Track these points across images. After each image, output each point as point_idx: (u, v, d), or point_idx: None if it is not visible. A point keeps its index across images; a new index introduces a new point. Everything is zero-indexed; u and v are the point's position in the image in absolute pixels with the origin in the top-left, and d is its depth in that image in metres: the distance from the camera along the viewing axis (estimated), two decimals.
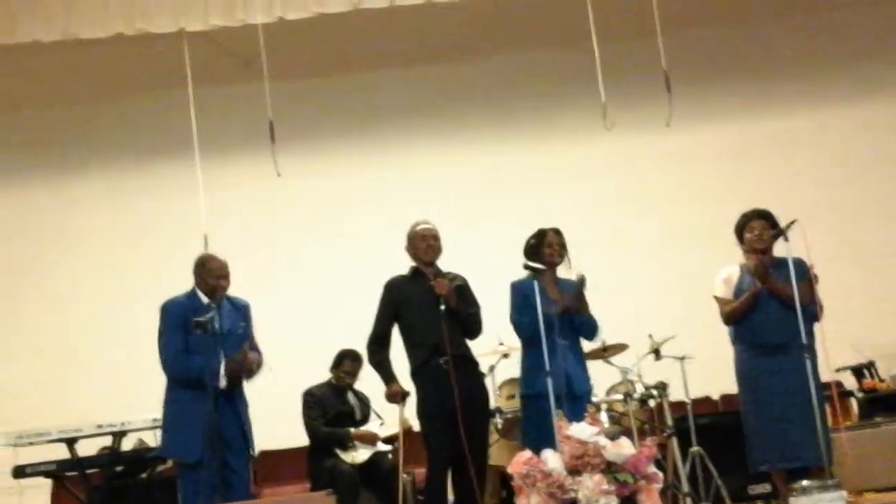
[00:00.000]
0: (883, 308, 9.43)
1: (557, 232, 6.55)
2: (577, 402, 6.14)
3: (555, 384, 6.12)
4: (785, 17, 10.29)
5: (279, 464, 7.42)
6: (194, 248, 8.23)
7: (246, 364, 6.09)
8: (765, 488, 7.11)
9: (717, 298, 6.50)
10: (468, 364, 6.37)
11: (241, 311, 6.36)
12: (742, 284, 6.38)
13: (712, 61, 10.33)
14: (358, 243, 9.75)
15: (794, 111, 10.31)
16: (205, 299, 6.19)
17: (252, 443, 6.23)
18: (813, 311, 6.19)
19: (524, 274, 6.33)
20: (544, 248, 6.48)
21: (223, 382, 5.99)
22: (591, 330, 6.50)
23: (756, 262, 6.23)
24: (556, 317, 6.20)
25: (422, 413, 6.28)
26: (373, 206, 9.86)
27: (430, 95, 10.42)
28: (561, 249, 6.49)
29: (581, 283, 6.36)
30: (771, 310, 6.18)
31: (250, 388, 6.31)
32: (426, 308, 6.27)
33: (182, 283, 6.59)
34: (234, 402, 6.12)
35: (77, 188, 10.11)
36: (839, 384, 7.74)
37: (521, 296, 6.33)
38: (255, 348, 6.32)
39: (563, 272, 6.55)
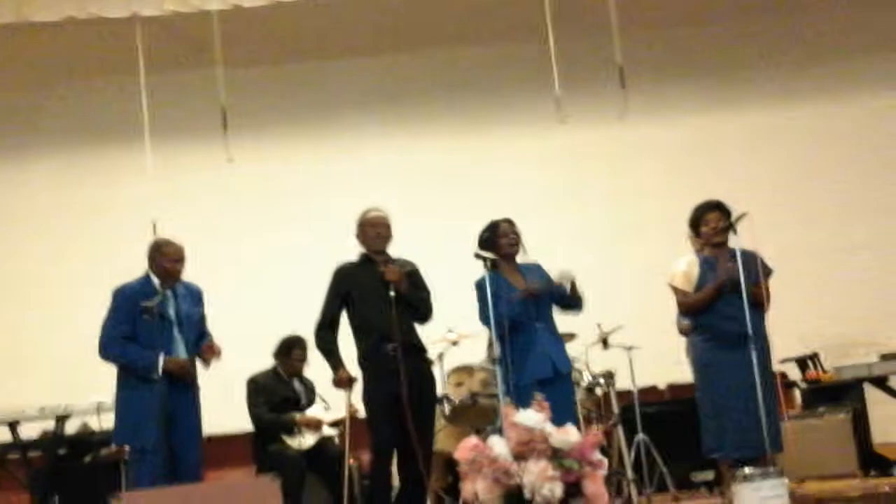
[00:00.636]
0: (830, 302, 9.54)
1: (510, 222, 6.54)
2: (562, 381, 6.15)
3: (541, 368, 6.18)
4: (742, 16, 10.35)
5: (224, 449, 7.39)
6: (143, 234, 8.19)
7: (184, 374, 6.06)
8: (708, 476, 7.18)
9: (674, 289, 6.52)
10: (416, 351, 6.38)
11: (196, 297, 6.36)
12: (704, 280, 6.40)
13: (667, 58, 10.37)
14: (308, 231, 9.70)
15: (749, 110, 10.38)
16: (158, 284, 6.18)
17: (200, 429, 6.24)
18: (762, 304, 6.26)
19: (479, 266, 6.33)
20: (499, 238, 6.47)
21: (158, 375, 5.98)
22: (575, 302, 6.45)
23: (728, 265, 6.22)
24: (523, 301, 6.21)
25: (368, 399, 6.27)
26: (324, 195, 9.81)
27: (385, 86, 10.40)
28: (515, 237, 6.49)
29: (571, 283, 6.35)
30: (730, 302, 6.21)
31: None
32: (375, 295, 6.25)
33: (129, 268, 6.55)
34: (186, 384, 6.12)
35: (26, 171, 9.98)
36: (783, 375, 7.83)
37: (484, 292, 6.30)
38: (206, 333, 6.32)
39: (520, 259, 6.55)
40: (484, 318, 6.36)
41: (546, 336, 6.33)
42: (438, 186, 10.08)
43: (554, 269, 6.45)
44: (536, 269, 6.51)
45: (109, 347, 6.12)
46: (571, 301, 6.41)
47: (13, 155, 10.02)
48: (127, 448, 6.56)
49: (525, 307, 6.26)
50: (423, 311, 6.42)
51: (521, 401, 6.01)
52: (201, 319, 6.33)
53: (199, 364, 6.28)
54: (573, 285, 6.34)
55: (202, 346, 6.21)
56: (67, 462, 6.66)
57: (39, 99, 10.11)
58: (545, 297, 6.35)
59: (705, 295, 6.35)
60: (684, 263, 6.52)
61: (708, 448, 6.32)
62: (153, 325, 5.98)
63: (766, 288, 6.28)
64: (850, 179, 10.18)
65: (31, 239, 9.77)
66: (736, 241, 6.26)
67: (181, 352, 6.14)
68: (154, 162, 8.92)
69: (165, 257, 6.23)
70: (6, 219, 9.82)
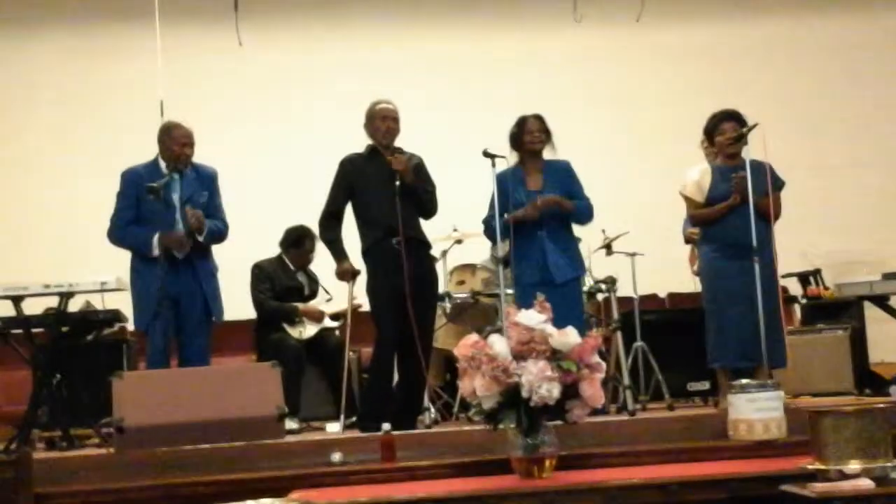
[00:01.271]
0: (835, 218, 9.54)
1: (538, 117, 6.54)
2: (558, 289, 6.06)
3: (530, 274, 6.24)
4: None
5: (226, 335, 7.40)
6: (150, 114, 8.15)
7: (180, 246, 6.06)
8: (704, 385, 7.24)
9: (685, 197, 6.48)
10: (420, 246, 6.37)
11: (206, 181, 6.33)
12: (716, 189, 6.35)
13: None
14: (316, 120, 9.63)
15: (767, 18, 10.27)
16: (165, 168, 6.16)
17: (215, 308, 6.28)
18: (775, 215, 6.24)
19: (480, 162, 6.31)
20: (525, 134, 6.47)
21: (156, 252, 6.00)
22: (581, 217, 6.51)
23: (738, 177, 6.19)
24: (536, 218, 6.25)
25: (371, 292, 6.29)
26: (334, 84, 9.71)
27: None
28: (542, 135, 6.48)
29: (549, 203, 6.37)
30: (739, 213, 6.18)
31: None
32: (381, 187, 6.23)
33: (136, 147, 6.53)
34: (195, 268, 6.14)
35: (33, 48, 9.86)
36: (784, 290, 7.84)
37: (499, 190, 6.29)
38: (219, 218, 6.30)
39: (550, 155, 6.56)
40: (486, 218, 6.39)
41: (546, 244, 6.34)
42: (449, 81, 9.99)
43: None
44: (563, 170, 6.51)
45: (114, 232, 6.23)
46: (574, 216, 6.48)
47: (20, 30, 9.89)
48: (118, 327, 6.67)
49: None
50: (427, 205, 6.40)
51: (519, 302, 6.10)
52: (209, 202, 6.31)
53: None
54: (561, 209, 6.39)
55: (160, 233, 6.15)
56: (70, 340, 6.69)
57: None
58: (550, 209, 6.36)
59: (717, 211, 6.31)
60: (697, 172, 6.47)
61: (711, 357, 6.35)
62: (156, 207, 5.98)
63: (775, 200, 6.26)
64: (862, 95, 10.11)
65: (38, 115, 9.70)
66: (746, 152, 6.22)
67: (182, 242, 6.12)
68: (163, 42, 8.81)
69: (174, 140, 6.20)
70: (13, 95, 9.73)
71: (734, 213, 6.22)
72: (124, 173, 6.26)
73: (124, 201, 6.19)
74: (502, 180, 6.31)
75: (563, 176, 6.51)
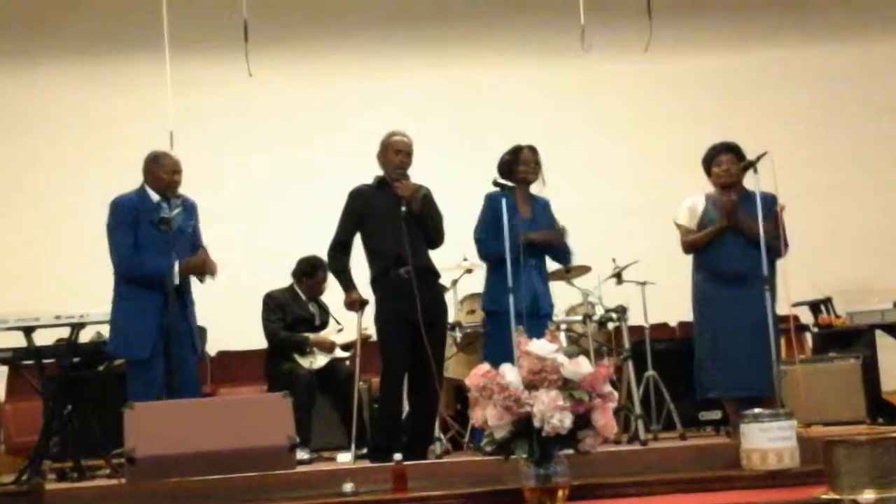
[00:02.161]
0: (845, 246, 9.53)
1: (532, 149, 6.58)
2: (540, 320, 6.22)
3: (520, 303, 6.21)
4: None
5: (236, 365, 7.44)
6: (159, 145, 8.14)
7: (205, 267, 6.09)
8: (715, 415, 7.20)
9: (678, 226, 6.52)
10: (429, 275, 6.38)
11: (190, 210, 6.34)
12: (707, 216, 6.39)
13: None
14: (326, 149, 9.68)
15: (775, 46, 10.30)
16: (154, 196, 6.16)
17: (198, 343, 6.28)
18: (777, 248, 6.22)
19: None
20: (519, 164, 6.53)
21: (176, 280, 6.02)
22: (565, 257, 6.58)
23: (725, 201, 6.22)
24: (523, 244, 6.25)
25: (380, 322, 6.30)
26: (344, 113, 9.77)
27: (410, 6, 10.29)
28: (536, 167, 6.52)
29: (562, 234, 6.41)
30: (733, 242, 6.20)
31: (211, 289, 6.32)
32: (389, 218, 6.25)
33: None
34: (183, 299, 6.15)
35: (43, 79, 9.93)
36: (796, 319, 7.82)
37: (491, 211, 6.35)
38: (199, 246, 6.31)
39: (536, 190, 6.60)
40: (477, 237, 6.41)
41: (534, 275, 6.40)
42: (458, 111, 10.03)
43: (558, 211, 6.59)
44: (545, 206, 6.56)
45: (127, 262, 6.09)
46: (560, 255, 6.59)
47: (32, 62, 9.96)
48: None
49: (517, 241, 6.31)
50: (434, 234, 6.42)
51: (493, 328, 6.10)
52: (194, 232, 6.32)
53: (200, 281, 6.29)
54: (563, 233, 6.54)
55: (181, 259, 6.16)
56: (81, 371, 6.69)
57: (59, 6, 10.01)
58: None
59: (704, 236, 6.33)
60: (689, 201, 6.52)
61: (703, 386, 6.33)
62: (153, 237, 5.97)
63: (782, 232, 6.24)
64: (870, 122, 10.13)
65: (47, 147, 9.75)
66: (756, 180, 6.21)
67: (174, 266, 6.11)
68: (173, 72, 8.85)
69: (163, 168, 6.18)
70: (23, 126, 9.80)
71: (726, 241, 6.23)
72: (118, 203, 6.18)
73: (123, 229, 6.11)
74: (495, 200, 6.31)
75: (547, 212, 6.57)
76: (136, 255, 6.07)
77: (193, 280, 6.25)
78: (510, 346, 5.34)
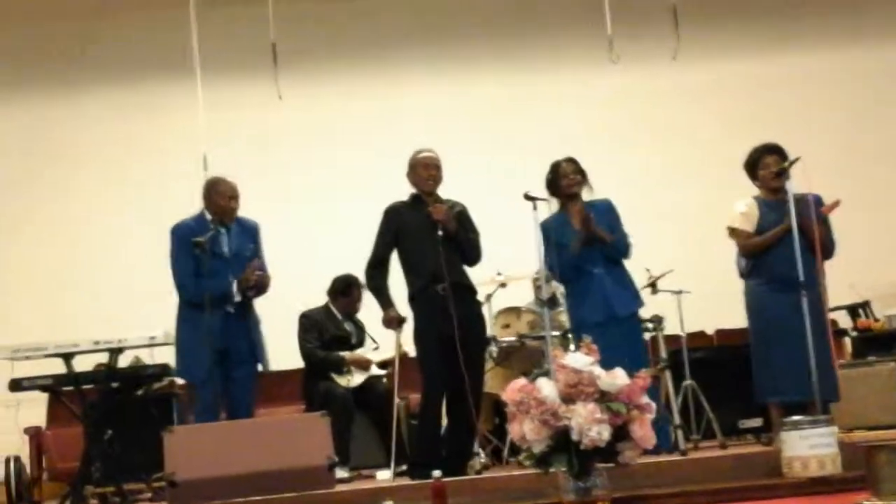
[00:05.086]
0: (882, 249, 9.44)
1: (571, 160, 6.61)
2: (622, 323, 6.30)
3: (595, 312, 6.32)
4: None
5: (274, 385, 7.46)
6: (193, 168, 8.25)
7: (252, 277, 6.15)
8: (756, 422, 7.16)
9: (733, 230, 6.47)
10: (466, 292, 6.38)
11: (250, 233, 6.43)
12: (765, 219, 6.36)
13: None
14: (357, 169, 9.71)
15: (803, 50, 10.25)
16: (212, 221, 6.25)
17: (263, 358, 6.38)
18: (828, 249, 6.20)
19: (529, 206, 6.35)
20: (561, 179, 6.53)
21: (238, 297, 6.17)
22: (619, 251, 6.56)
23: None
24: (578, 253, 6.33)
25: (418, 339, 6.31)
26: (374, 133, 9.80)
27: (436, 23, 10.33)
28: (577, 177, 6.53)
29: (584, 216, 6.41)
30: (787, 246, 6.16)
31: None
32: (425, 235, 6.26)
33: (180, 202, 6.62)
34: (243, 318, 6.23)
35: (77, 105, 10.03)
36: (834, 323, 7.76)
37: (545, 237, 6.35)
38: (262, 268, 6.37)
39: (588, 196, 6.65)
40: (549, 264, 6.42)
41: (605, 280, 6.39)
42: (488, 125, 10.03)
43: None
44: (605, 208, 6.55)
45: (190, 287, 6.21)
46: (612, 249, 6.53)
47: (64, 88, 10.06)
48: (179, 381, 6.71)
49: (583, 253, 6.37)
50: (471, 252, 6.43)
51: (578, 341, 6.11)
52: (253, 255, 6.39)
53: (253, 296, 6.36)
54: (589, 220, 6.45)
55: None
56: (120, 395, 6.75)
57: (90, 31, 10.12)
58: (596, 244, 6.39)
59: (770, 237, 6.30)
60: (744, 205, 6.48)
61: (761, 392, 6.30)
62: (203, 260, 6.05)
63: (821, 231, 6.21)
64: None
65: (82, 173, 9.85)
66: (790, 186, 6.19)
67: (232, 288, 6.21)
68: (204, 97, 8.93)
69: (220, 195, 6.32)
70: (58, 153, 9.90)
71: (783, 246, 6.19)
72: (175, 229, 6.33)
73: (184, 255, 6.22)
74: (546, 228, 6.34)
75: (606, 214, 6.56)
76: (194, 279, 6.17)
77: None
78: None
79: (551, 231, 6.34)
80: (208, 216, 6.33)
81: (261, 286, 6.34)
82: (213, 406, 6.05)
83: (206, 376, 6.00)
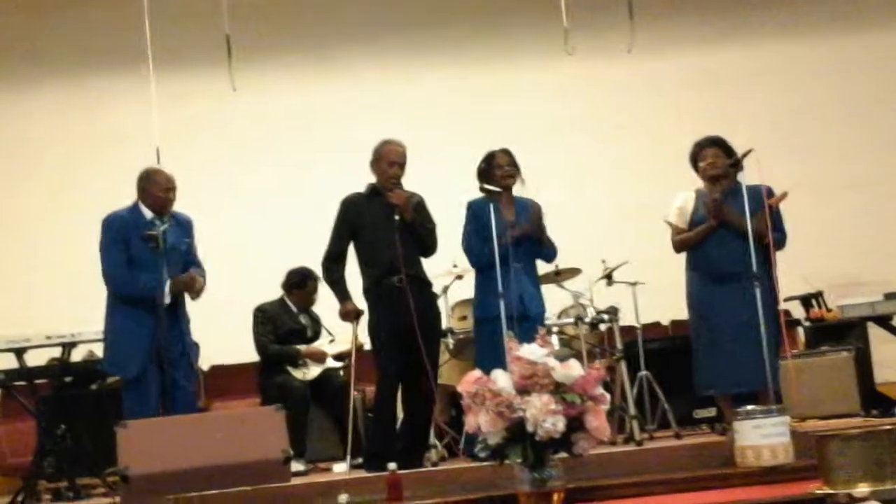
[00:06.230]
0: (835, 240, 9.54)
1: (506, 152, 6.54)
2: (530, 323, 6.20)
3: (509, 307, 6.21)
4: None
5: (229, 378, 7.44)
6: (146, 161, 8.14)
7: (193, 286, 6.08)
8: (710, 412, 7.21)
9: (670, 224, 6.51)
10: (421, 284, 6.38)
11: (186, 227, 6.31)
12: (697, 214, 6.40)
13: None
14: (313, 162, 9.68)
15: (758, 44, 10.31)
16: (148, 214, 6.13)
17: (195, 357, 6.28)
18: (776, 239, 6.22)
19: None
20: (495, 170, 6.48)
21: (168, 299, 5.99)
22: (549, 255, 6.56)
23: (708, 201, 6.24)
24: (511, 243, 6.24)
25: (373, 331, 6.30)
26: (329, 127, 9.77)
27: (391, 16, 10.30)
28: (512, 169, 6.48)
29: (537, 213, 6.39)
30: (725, 240, 6.21)
31: (202, 303, 6.31)
32: (382, 227, 6.25)
33: (133, 195, 6.54)
34: (177, 316, 6.11)
35: (27, 99, 9.93)
36: (787, 313, 7.83)
37: (475, 218, 6.35)
38: (198, 264, 6.30)
39: (518, 191, 6.57)
40: (466, 246, 6.40)
41: (522, 277, 6.37)
42: (444, 118, 10.03)
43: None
44: (531, 206, 6.52)
45: (119, 279, 6.07)
46: (543, 253, 6.54)
47: (15, 82, 9.95)
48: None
49: (506, 245, 6.29)
50: (427, 241, 6.42)
51: (483, 334, 6.09)
52: (188, 250, 6.30)
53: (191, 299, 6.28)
54: (538, 211, 6.43)
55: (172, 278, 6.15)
56: (73, 390, 6.70)
57: (42, 25, 10.00)
58: (527, 241, 6.38)
59: (695, 235, 6.34)
60: (680, 199, 6.51)
61: (701, 384, 6.35)
62: (145, 254, 5.94)
63: (780, 222, 6.26)
64: (858, 115, 10.14)
65: (34, 167, 9.74)
66: (742, 177, 6.24)
67: (165, 287, 6.08)
68: (158, 90, 8.85)
69: (156, 186, 6.16)
70: (9, 148, 9.78)
71: (717, 238, 6.23)
72: (109, 220, 6.16)
73: (116, 247, 6.08)
74: (478, 207, 6.32)
75: (530, 211, 6.54)
76: (128, 272, 6.04)
77: (186, 296, 6.24)
78: (500, 352, 5.34)
79: (481, 213, 6.29)
80: (143, 207, 6.18)
81: (197, 290, 6.22)
82: (153, 403, 5.90)
83: (140, 372, 5.90)
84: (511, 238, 6.29)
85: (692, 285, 6.46)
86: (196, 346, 6.32)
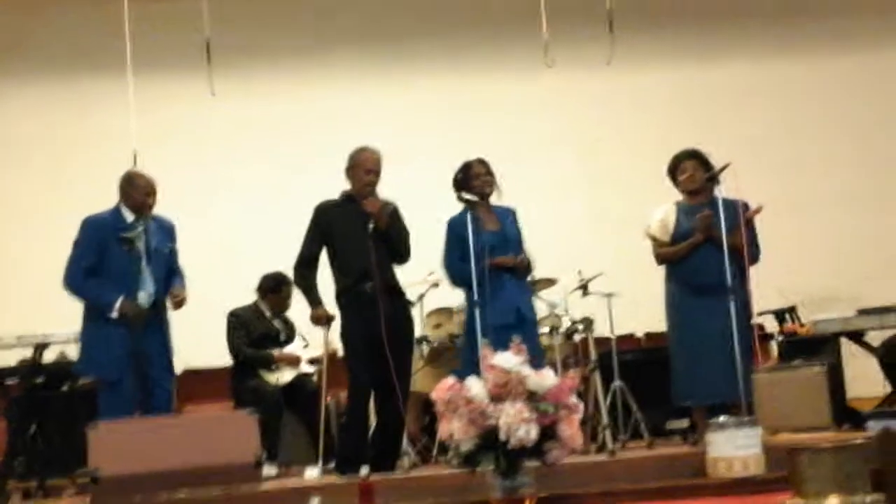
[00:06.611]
0: (810, 255, 9.57)
1: (482, 161, 6.59)
2: (527, 326, 6.29)
3: (505, 316, 6.26)
4: None
5: (203, 382, 7.41)
6: (123, 165, 8.11)
7: (141, 318, 5.99)
8: (683, 424, 7.23)
9: (652, 238, 6.55)
10: (394, 293, 6.38)
11: (168, 231, 6.32)
12: (680, 227, 6.44)
13: (658, 3, 10.32)
14: (290, 168, 9.64)
15: (737, 60, 10.35)
16: (129, 217, 6.13)
17: (172, 360, 6.24)
18: (753, 254, 6.28)
19: (459, 208, 6.38)
20: (472, 179, 6.52)
21: (115, 315, 5.95)
22: (526, 273, 6.58)
23: (701, 217, 6.27)
24: (491, 252, 6.29)
25: (345, 338, 6.31)
26: (308, 132, 9.74)
27: (371, 25, 10.28)
28: (489, 177, 6.51)
29: (526, 264, 6.41)
30: (706, 252, 6.24)
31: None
32: (355, 234, 6.26)
33: (109, 198, 6.51)
34: (157, 315, 6.10)
35: (4, 100, 9.87)
36: (761, 327, 7.86)
37: (454, 235, 6.35)
38: (178, 271, 6.29)
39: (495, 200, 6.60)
40: (447, 265, 6.41)
41: (512, 285, 6.40)
42: (421, 128, 10.02)
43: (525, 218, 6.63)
44: (510, 215, 6.56)
45: (70, 279, 6.09)
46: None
47: None
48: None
49: (492, 252, 6.34)
50: (400, 249, 6.43)
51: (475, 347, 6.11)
52: (171, 254, 6.29)
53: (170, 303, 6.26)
54: (527, 266, 6.51)
55: (170, 291, 6.16)
56: (45, 391, 6.66)
57: (21, 26, 9.95)
58: (512, 251, 6.40)
59: (680, 249, 6.39)
60: (661, 212, 6.57)
61: (678, 395, 6.38)
62: (125, 258, 5.93)
63: (743, 236, 6.30)
64: (835, 133, 10.19)
65: (11, 168, 9.67)
66: (719, 191, 6.28)
67: (149, 286, 6.07)
68: (136, 93, 8.82)
69: (137, 190, 6.17)
70: None
71: (700, 252, 6.27)
72: (88, 221, 6.17)
73: (85, 249, 6.09)
74: (457, 225, 6.34)
75: (514, 221, 6.56)
76: (80, 276, 6.05)
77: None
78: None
79: (462, 227, 6.32)
80: (124, 210, 6.19)
81: (178, 303, 6.24)
82: (129, 406, 5.87)
83: (118, 375, 5.88)
84: (489, 262, 6.30)
85: (672, 297, 6.50)
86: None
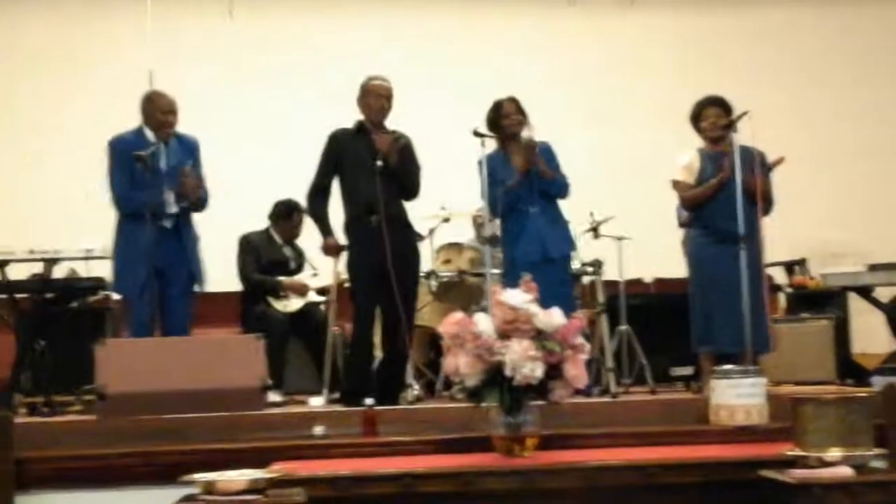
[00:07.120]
0: (823, 208, 9.54)
1: (513, 100, 6.56)
2: (554, 265, 6.32)
3: (529, 251, 6.30)
4: None
5: (211, 306, 7.39)
6: (138, 83, 8.08)
7: (188, 185, 6.06)
8: (686, 371, 7.24)
9: (676, 183, 6.53)
10: (401, 225, 6.36)
11: (190, 149, 6.34)
12: (705, 172, 6.41)
13: None
14: (306, 94, 9.58)
15: (762, 5, 10.25)
16: (151, 136, 6.16)
17: (199, 277, 6.29)
18: (766, 206, 6.27)
19: (473, 142, 6.35)
20: (502, 119, 6.50)
21: (174, 209, 6.07)
22: (558, 189, 6.54)
23: (727, 157, 6.25)
24: (515, 188, 6.27)
25: (351, 268, 6.35)
26: (325, 57, 9.66)
27: None
28: (519, 116, 6.50)
29: (529, 146, 6.39)
30: (729, 198, 6.21)
31: None
32: (364, 165, 6.23)
33: (124, 115, 6.50)
34: (180, 236, 6.14)
35: (18, 12, 9.78)
36: (770, 278, 7.85)
37: (485, 172, 6.34)
38: (201, 186, 6.30)
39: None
40: (490, 198, 6.41)
41: (540, 220, 6.39)
42: (440, 62, 9.94)
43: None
44: (544, 148, 6.53)
45: (124, 200, 6.13)
46: (554, 188, 6.50)
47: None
48: (113, 296, 6.64)
49: (519, 191, 6.31)
50: (409, 185, 6.40)
51: (511, 282, 6.10)
52: (193, 171, 6.30)
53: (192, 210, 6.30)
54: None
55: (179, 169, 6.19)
56: (54, 307, 6.69)
57: None
58: (537, 180, 6.38)
59: (706, 189, 6.36)
60: (686, 157, 6.53)
61: (697, 341, 6.38)
62: (143, 175, 5.96)
63: (765, 186, 6.28)
64: (851, 84, 10.10)
65: (26, 84, 9.61)
66: (735, 139, 6.25)
67: (170, 203, 6.12)
68: (153, 12, 8.76)
69: (157, 109, 6.21)
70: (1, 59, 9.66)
71: (724, 199, 6.23)
72: (113, 142, 6.23)
73: (120, 168, 6.13)
74: (489, 162, 6.33)
75: (545, 155, 6.54)
76: (130, 192, 6.08)
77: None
78: None
79: (491, 167, 6.32)
80: (147, 130, 6.22)
81: (198, 200, 6.26)
82: (148, 323, 5.98)
83: (141, 292, 5.93)
84: (513, 185, 6.30)
85: (694, 242, 6.49)
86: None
